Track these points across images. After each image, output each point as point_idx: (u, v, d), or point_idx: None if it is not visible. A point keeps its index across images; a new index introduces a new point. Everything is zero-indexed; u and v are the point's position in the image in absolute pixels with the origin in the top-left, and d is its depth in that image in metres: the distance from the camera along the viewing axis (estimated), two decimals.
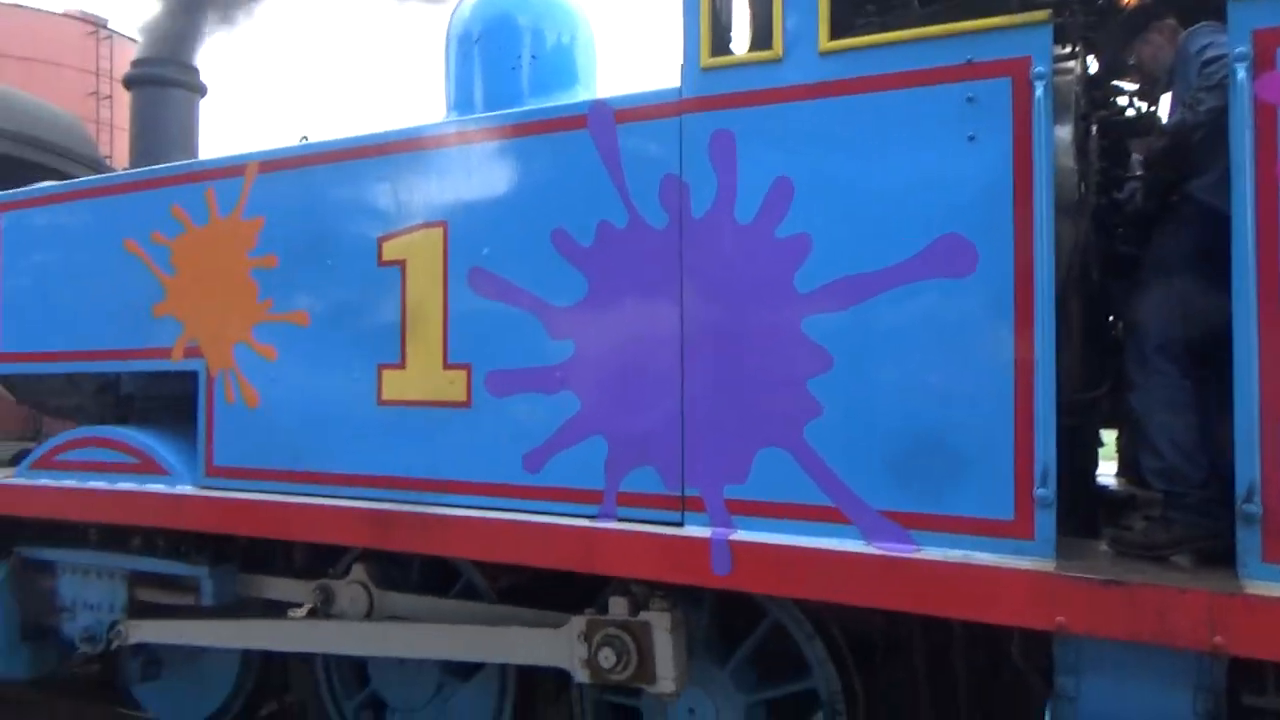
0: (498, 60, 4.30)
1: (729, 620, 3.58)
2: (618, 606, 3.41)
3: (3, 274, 5.03)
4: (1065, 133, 2.94)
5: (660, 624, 3.31)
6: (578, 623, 3.47)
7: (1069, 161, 2.95)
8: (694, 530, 3.09)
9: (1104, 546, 2.90)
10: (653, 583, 3.30)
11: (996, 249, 2.70)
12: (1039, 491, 2.62)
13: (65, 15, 19.68)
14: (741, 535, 3.00)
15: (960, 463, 2.74)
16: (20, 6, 19.66)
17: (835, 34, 3.00)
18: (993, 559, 2.65)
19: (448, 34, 4.51)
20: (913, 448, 2.80)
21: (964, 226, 2.74)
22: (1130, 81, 3.50)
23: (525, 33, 4.32)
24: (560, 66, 4.38)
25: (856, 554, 2.81)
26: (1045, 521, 2.63)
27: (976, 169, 2.74)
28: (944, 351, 2.77)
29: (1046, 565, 2.59)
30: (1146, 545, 2.75)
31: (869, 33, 3.05)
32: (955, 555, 2.70)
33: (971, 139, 2.75)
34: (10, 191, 5.14)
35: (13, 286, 5.01)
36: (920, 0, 3.34)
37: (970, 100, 2.74)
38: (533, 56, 4.32)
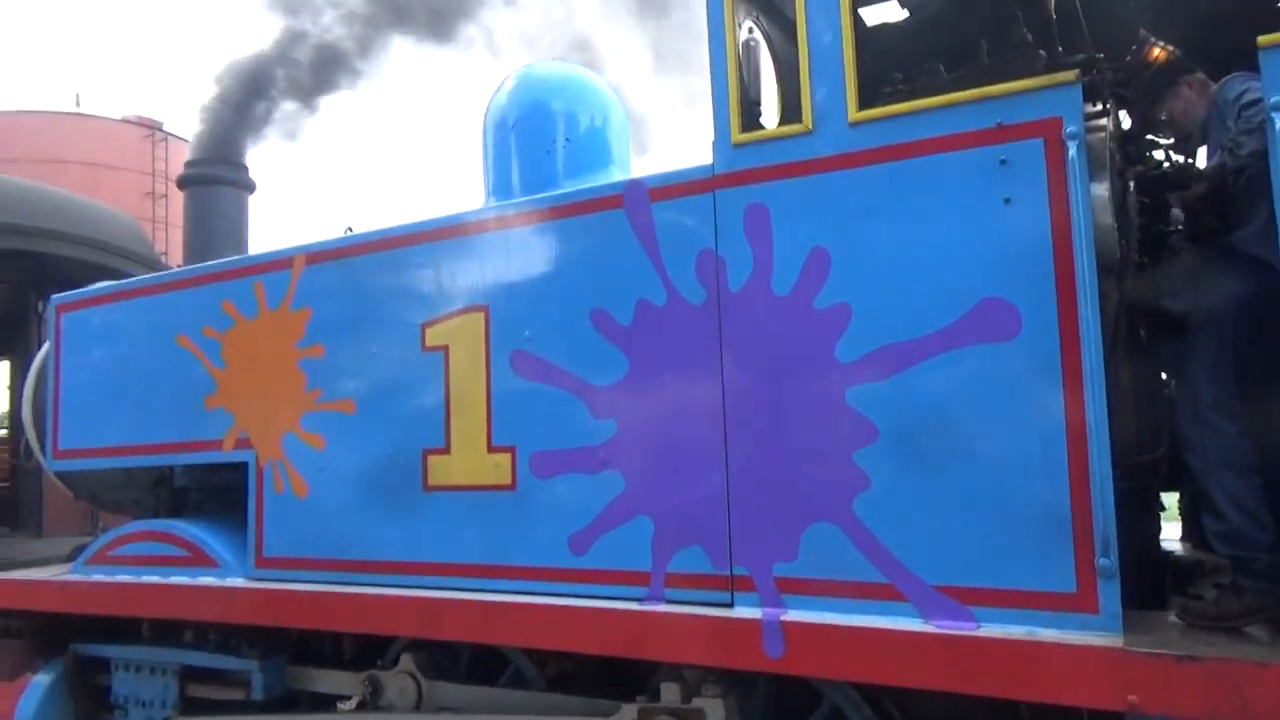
0: (533, 145, 4.39)
1: (784, 703, 3.46)
2: (669, 692, 3.30)
3: (62, 373, 5.18)
4: (1102, 190, 2.90)
5: (714, 711, 3.20)
6: (629, 711, 3.37)
7: (1108, 219, 2.91)
8: (744, 611, 3.01)
9: (1173, 618, 2.76)
10: (705, 666, 3.20)
11: (1040, 311, 2.64)
12: (1101, 562, 2.51)
13: (124, 120, 20.70)
14: (794, 615, 2.91)
15: (1016, 533, 2.64)
16: (83, 115, 20.74)
17: (863, 104, 3.01)
18: (1057, 635, 2.53)
19: (484, 121, 4.63)
20: (966, 519, 2.71)
21: (1005, 289, 2.70)
22: (1163, 137, 3.46)
23: (559, 117, 4.42)
24: (594, 148, 4.47)
25: (914, 633, 2.70)
26: (1110, 593, 2.51)
27: (1014, 231, 2.70)
28: (992, 417, 2.69)
29: (1114, 640, 2.46)
30: (1218, 616, 2.61)
31: (897, 101, 3.06)
32: (1018, 632, 2.58)
33: (1007, 201, 2.72)
34: (68, 293, 5.33)
35: (71, 385, 5.16)
36: (947, 66, 3.35)
37: (1003, 163, 2.72)
38: (567, 140, 4.41)
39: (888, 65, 3.70)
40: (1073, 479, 2.56)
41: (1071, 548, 2.55)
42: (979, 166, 2.76)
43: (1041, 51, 3.09)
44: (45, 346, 5.50)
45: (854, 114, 3.00)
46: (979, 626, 2.65)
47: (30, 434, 5.60)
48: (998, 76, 2.86)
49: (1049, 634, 2.53)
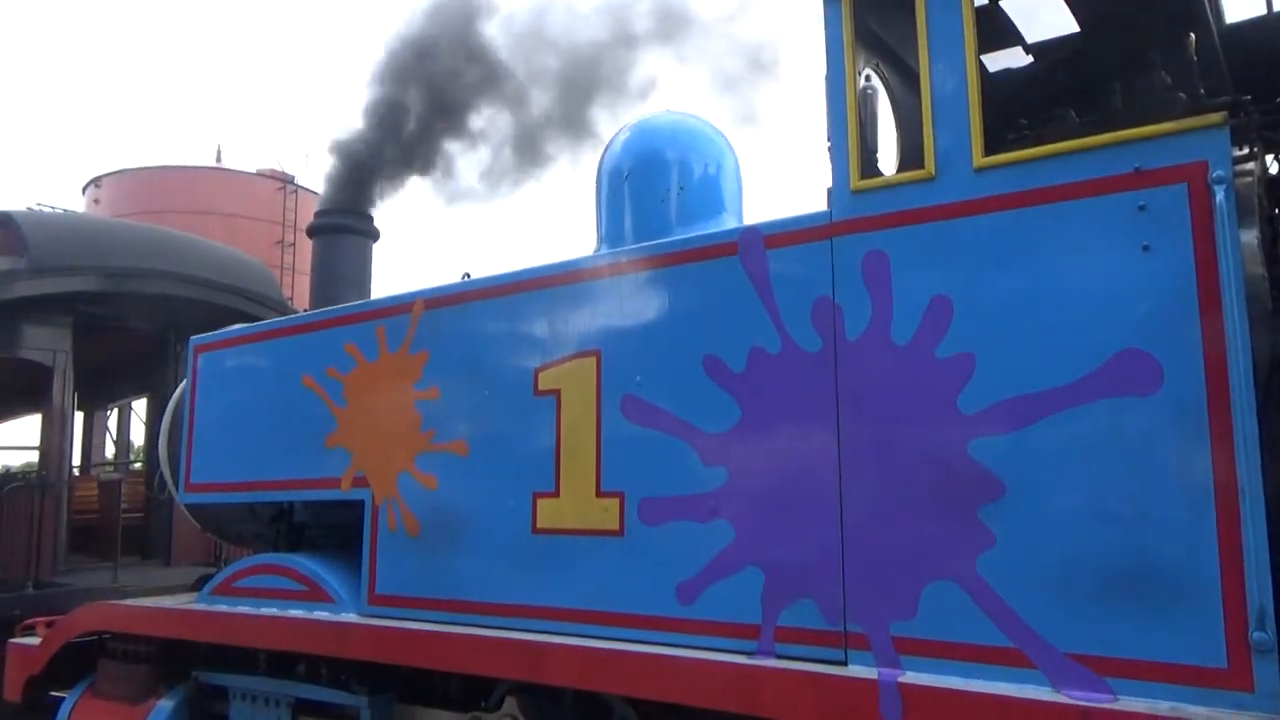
0: (647, 193, 4.45)
1: None
2: None
3: (196, 411, 5.45)
4: (1250, 237, 2.74)
5: None
6: None
7: (1257, 268, 2.74)
8: (859, 670, 2.89)
9: None
10: None
11: (1184, 364, 2.49)
12: (1256, 635, 2.32)
13: (259, 174, 22.02)
14: (911, 678, 2.78)
15: (1159, 601, 2.46)
16: (224, 169, 22.16)
17: (988, 150, 2.94)
18: (1207, 713, 2.33)
19: (599, 170, 4.72)
20: (1102, 583, 2.55)
21: (1145, 341, 2.56)
22: None
23: (673, 166, 4.47)
24: (708, 196, 4.49)
25: (1044, 702, 2.54)
26: (1267, 671, 2.31)
27: (1154, 280, 2.57)
28: (1131, 475, 2.54)
29: None
30: None
31: (1023, 146, 2.98)
32: (1162, 708, 2.39)
33: (1146, 249, 2.59)
34: (206, 334, 5.63)
35: (204, 422, 5.42)
36: (1076, 112, 3.25)
37: (1142, 209, 2.60)
38: (680, 188, 4.45)
39: (1011, 112, 3.61)
40: (1222, 544, 2.38)
41: (1221, 619, 2.37)
42: (1115, 213, 2.64)
43: (1181, 94, 2.96)
44: (182, 385, 5.81)
45: (979, 159, 2.92)
46: (1116, 699, 2.47)
47: (165, 467, 5.91)
48: (1133, 121, 2.74)
49: (1198, 711, 2.34)
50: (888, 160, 4.08)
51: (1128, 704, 2.44)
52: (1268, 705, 2.29)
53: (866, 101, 3.67)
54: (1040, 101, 3.56)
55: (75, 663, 5.73)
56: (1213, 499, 2.42)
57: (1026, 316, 2.75)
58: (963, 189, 2.93)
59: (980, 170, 2.91)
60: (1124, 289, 2.61)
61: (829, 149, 3.29)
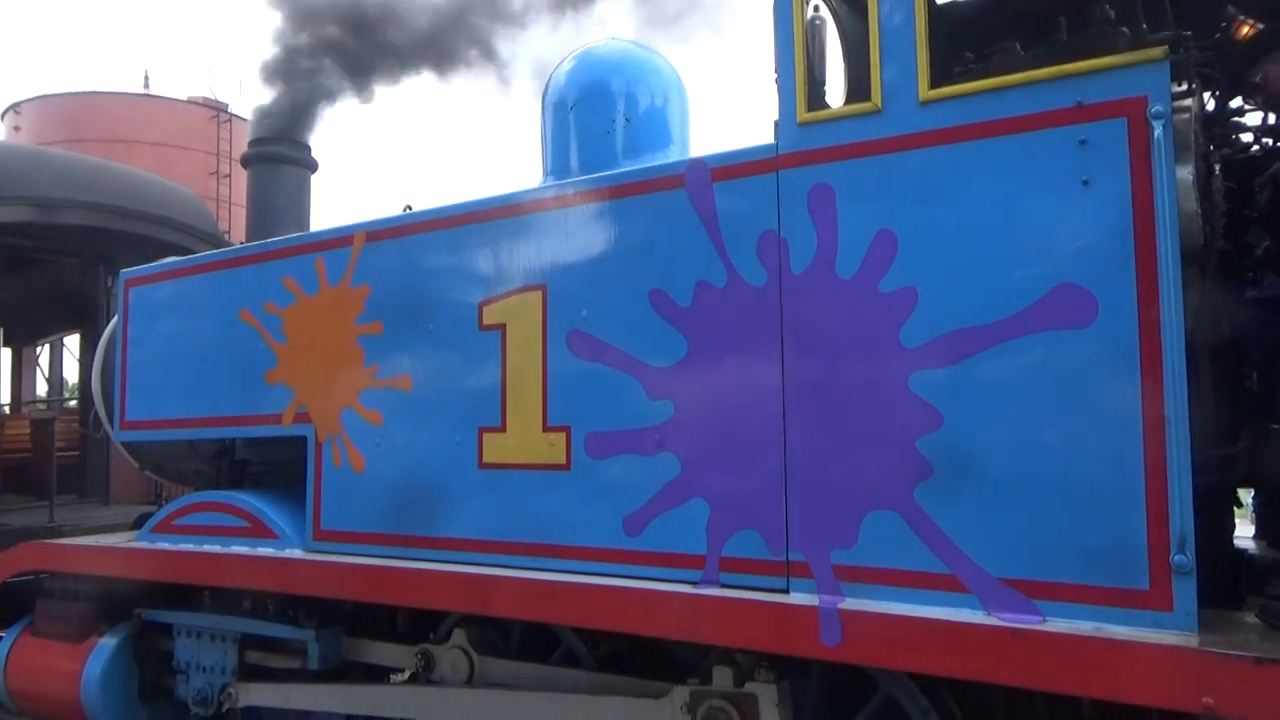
0: (592, 125, 4.37)
1: (838, 692, 3.41)
2: (722, 676, 3.29)
3: (129, 346, 5.30)
4: (1186, 174, 2.78)
5: (767, 696, 3.18)
6: (680, 693, 3.36)
7: (1192, 204, 2.78)
8: (801, 598, 2.96)
9: (1250, 618, 2.65)
10: (759, 652, 3.17)
11: (1118, 298, 2.55)
12: (1176, 558, 2.42)
13: (190, 102, 21.16)
14: (851, 604, 2.86)
15: (1086, 527, 2.56)
16: (152, 96, 21.23)
17: (934, 83, 2.93)
18: (1128, 632, 2.45)
19: (543, 101, 4.61)
20: (1032, 511, 2.64)
21: (1081, 276, 2.60)
22: (1258, 108, 3.30)
23: (619, 97, 4.39)
24: (654, 128, 4.42)
25: (976, 625, 2.64)
26: (1185, 591, 2.42)
27: (1092, 215, 2.60)
28: (1064, 407, 2.61)
29: (1189, 640, 2.38)
30: None
31: (969, 80, 2.97)
32: (1085, 628, 2.50)
33: (1085, 183, 2.62)
34: (136, 268, 5.45)
35: (137, 358, 5.28)
36: (1022, 45, 3.24)
37: (1082, 143, 2.63)
38: (626, 120, 4.38)
39: (958, 44, 3.59)
40: (1148, 472, 2.47)
41: (1145, 544, 2.47)
42: (1056, 147, 2.66)
43: (1124, 29, 2.97)
44: (114, 320, 5.64)
45: (925, 93, 2.91)
46: (1044, 620, 2.58)
47: (99, 405, 5.76)
48: (1077, 55, 2.75)
49: (1120, 630, 2.45)
50: (836, 94, 4.04)
51: (1054, 625, 2.54)
52: (1184, 623, 2.41)
53: (814, 32, 3.61)
54: (987, 33, 3.54)
55: (11, 603, 5.64)
56: (1141, 429, 2.50)
57: (968, 251, 2.78)
58: (908, 122, 2.93)
59: (926, 103, 2.91)
60: (1063, 224, 2.64)
61: (776, 80, 3.26)
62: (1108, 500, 2.53)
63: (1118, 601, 2.50)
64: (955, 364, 2.77)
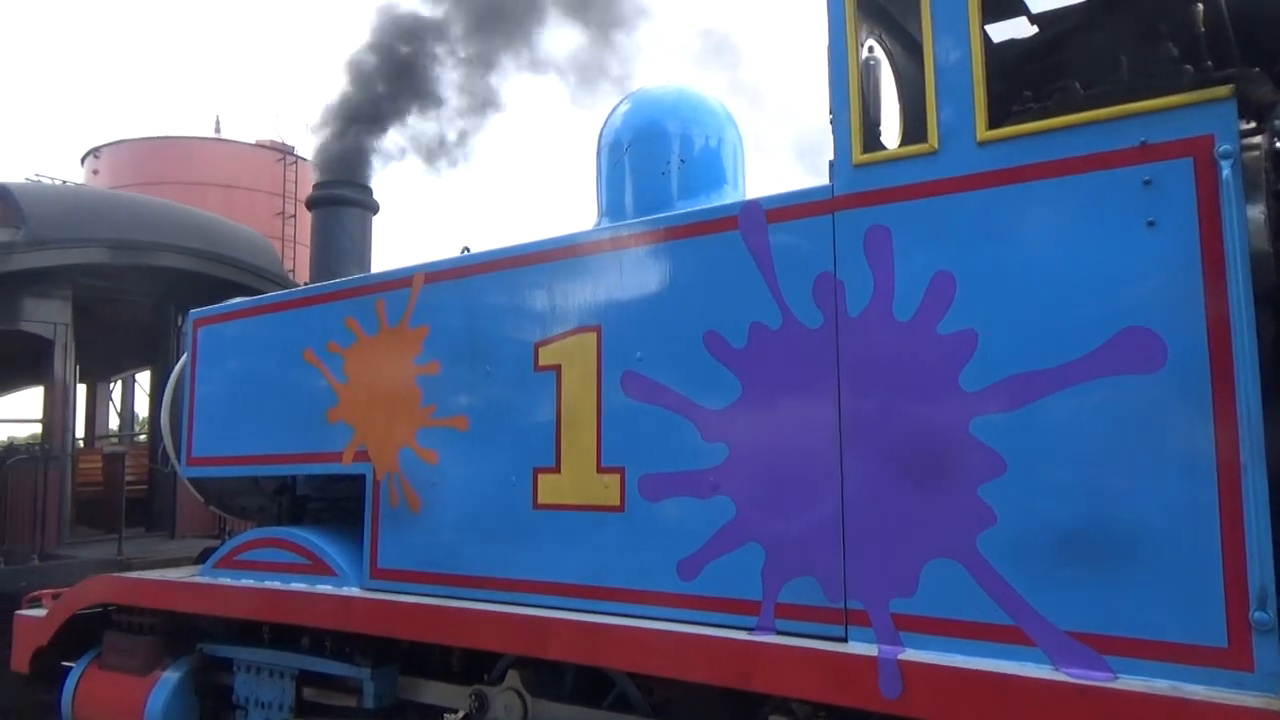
0: (648, 166, 4.41)
1: None
2: None
3: (197, 384, 5.45)
4: (1258, 213, 2.70)
5: None
6: None
7: (1263, 244, 2.70)
8: (859, 647, 2.90)
9: None
10: (815, 702, 3.10)
11: (1188, 341, 2.47)
12: (1257, 615, 2.31)
13: (258, 145, 21.89)
14: (911, 655, 2.78)
15: (1159, 579, 2.46)
16: (222, 140, 22.01)
17: (992, 123, 2.90)
18: (1206, 692, 2.34)
19: (599, 143, 4.67)
20: (1101, 561, 2.55)
21: (1148, 319, 2.53)
22: None
23: (674, 138, 4.42)
24: (709, 169, 4.45)
25: (1043, 680, 2.54)
26: (1268, 651, 2.31)
27: (1159, 256, 2.54)
28: (1134, 454, 2.53)
29: (1273, 704, 2.26)
30: None
31: (1027, 120, 2.93)
32: (1160, 686, 2.40)
33: (1151, 224, 2.56)
34: (205, 308, 5.61)
35: (205, 395, 5.42)
36: (1082, 84, 3.20)
37: (1147, 184, 2.57)
38: (681, 161, 4.41)
39: (1016, 84, 3.56)
40: (1224, 523, 2.37)
41: (1222, 599, 2.36)
42: (1120, 188, 2.60)
43: (1188, 67, 2.91)
44: (183, 358, 5.80)
45: (982, 133, 2.88)
46: (1115, 677, 2.48)
47: (167, 441, 5.92)
48: (1140, 94, 2.70)
49: (1197, 690, 2.34)
50: (891, 133, 4.03)
51: (1126, 683, 2.44)
52: (1267, 685, 2.30)
53: (869, 73, 3.61)
54: (1045, 73, 3.50)
55: (82, 634, 5.78)
56: (1215, 478, 2.41)
57: (1030, 293, 2.72)
58: (966, 163, 2.90)
59: (984, 144, 2.87)
60: (1128, 265, 2.58)
61: (831, 122, 3.25)
62: (1181, 551, 2.44)
63: (1195, 659, 2.39)
64: (1018, 408, 2.70)
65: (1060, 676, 2.53)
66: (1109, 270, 2.61)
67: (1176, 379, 2.48)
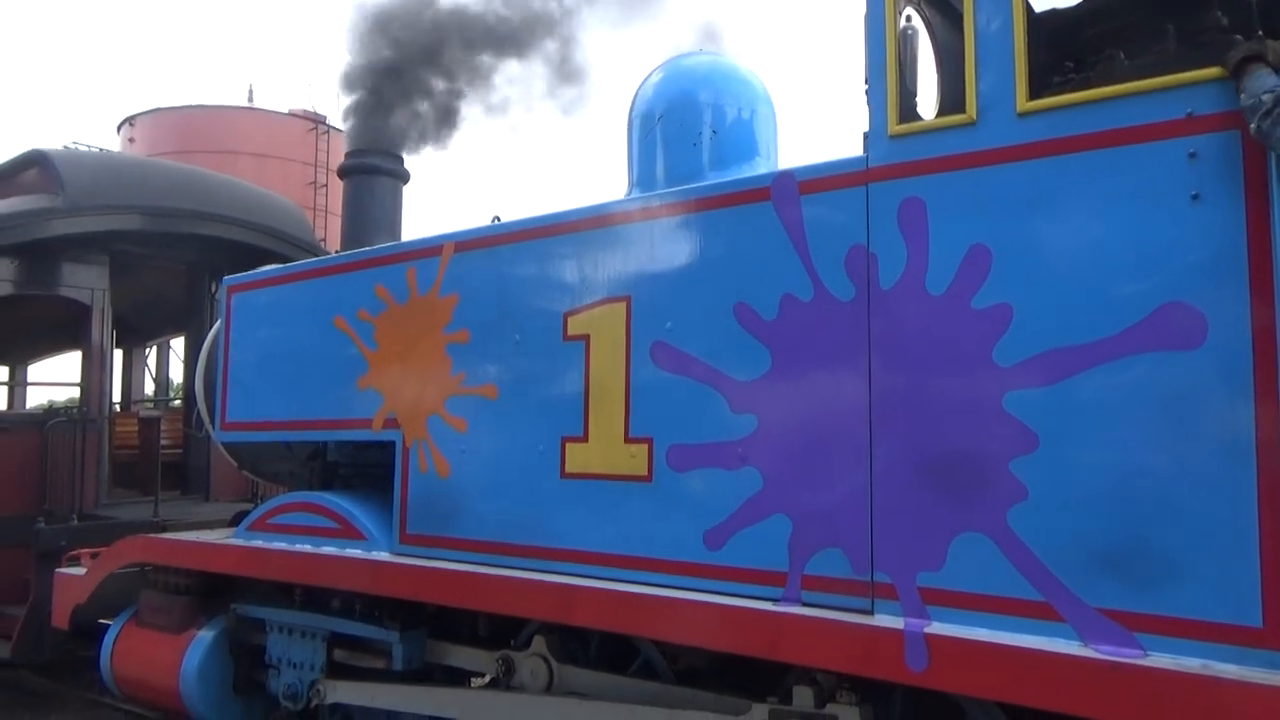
0: (679, 137, 4.37)
1: (922, 717, 3.32)
2: (802, 696, 3.23)
3: (231, 350, 5.52)
4: None
5: (848, 718, 3.11)
6: (759, 711, 3.32)
7: None
8: (885, 620, 2.90)
9: None
10: (840, 673, 3.11)
11: (1230, 318, 2.42)
12: None
13: (291, 114, 21.98)
14: (938, 628, 2.78)
15: (1193, 557, 2.43)
16: (255, 109, 22.12)
17: (1033, 94, 2.84)
18: (1239, 671, 2.31)
19: (630, 113, 4.64)
20: (1135, 538, 2.52)
21: (1190, 294, 2.49)
22: None
23: (706, 109, 4.38)
24: (741, 140, 4.41)
25: (1072, 656, 2.53)
26: None
27: (1202, 230, 2.48)
28: (1170, 431, 2.49)
29: None
30: None
31: (1069, 91, 2.87)
32: (1191, 664, 2.38)
33: (1195, 198, 2.50)
34: (238, 275, 5.67)
35: (238, 361, 5.49)
36: (1126, 54, 3.12)
37: (1192, 156, 2.51)
38: (714, 131, 4.37)
39: (1058, 54, 3.48)
40: (1263, 501, 2.34)
41: (1258, 578, 2.33)
42: (1164, 160, 2.55)
43: (1238, 36, 2.83)
44: (216, 325, 5.88)
45: (1023, 104, 2.83)
46: (1146, 654, 2.46)
47: (201, 406, 6.01)
48: (1186, 64, 2.63)
49: (1230, 669, 2.32)
50: (927, 104, 3.96)
51: (1157, 660, 2.43)
52: None
53: (906, 42, 3.55)
54: (1088, 43, 3.43)
55: (121, 591, 5.92)
56: (1255, 455, 2.37)
57: (1067, 267, 2.68)
58: (1005, 134, 2.85)
59: (1024, 115, 2.82)
60: (1170, 240, 2.53)
61: (866, 92, 3.21)
62: (1218, 530, 2.41)
63: (1228, 638, 2.36)
64: (1052, 384, 2.67)
65: (1089, 653, 2.51)
66: (1150, 244, 2.56)
67: (1217, 356, 2.44)
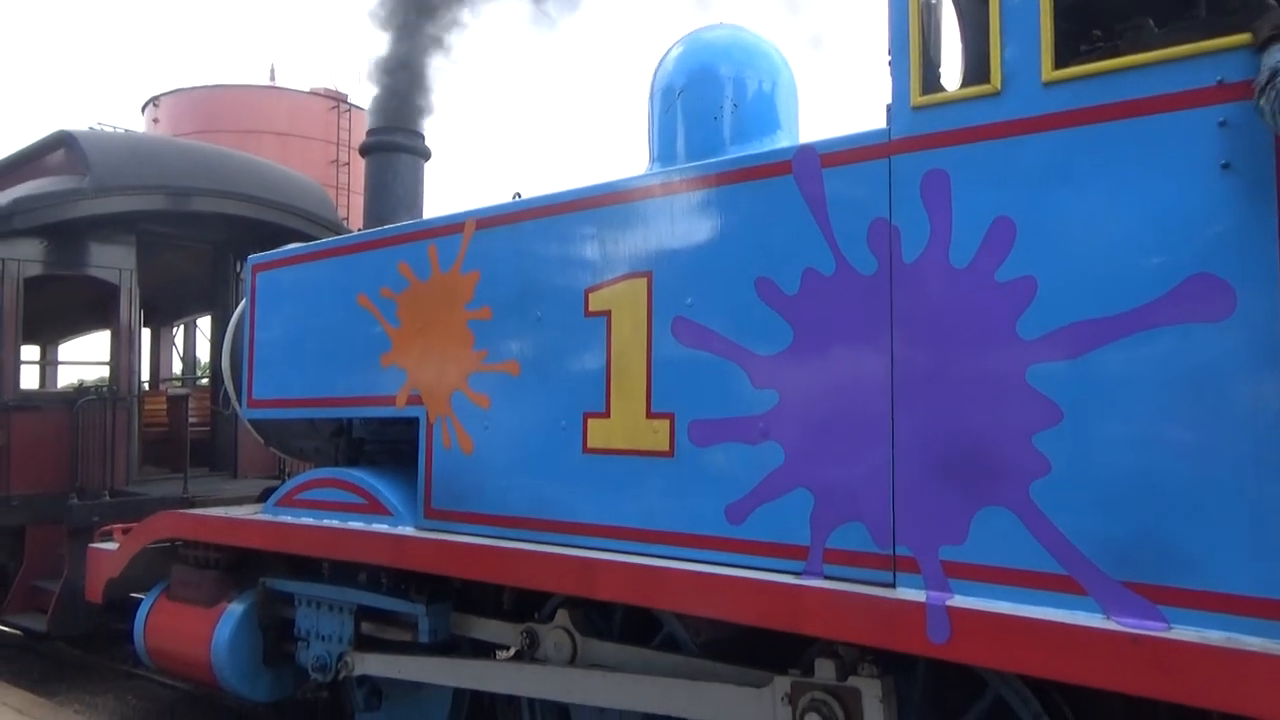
0: (700, 111, 4.34)
1: (945, 691, 3.34)
2: (824, 669, 3.25)
3: (256, 328, 5.58)
4: None
5: (871, 691, 3.13)
6: (781, 684, 3.34)
7: None
8: (907, 593, 2.90)
9: None
10: (862, 646, 3.12)
11: (1259, 289, 2.39)
12: None
13: (313, 93, 22.03)
14: (960, 601, 2.78)
15: (1219, 531, 2.42)
16: (277, 88, 22.19)
17: (1059, 63, 2.80)
18: (1263, 644, 2.30)
19: (651, 87, 4.61)
20: (1158, 512, 2.51)
21: (1217, 265, 2.45)
22: None
23: (727, 82, 4.35)
24: (762, 113, 4.37)
25: (1093, 628, 2.53)
26: None
27: (1232, 200, 2.45)
28: (1196, 405, 2.47)
29: None
30: None
31: (1096, 59, 2.83)
32: (1215, 637, 2.37)
33: (1225, 167, 2.46)
34: (263, 254, 5.72)
35: (264, 339, 5.54)
36: (1156, 22, 3.07)
37: (1223, 125, 2.47)
38: (734, 105, 4.34)
39: (1085, 22, 3.43)
40: None
41: None
42: (1194, 129, 2.51)
43: (1272, 1, 2.77)
44: (242, 303, 5.93)
45: (1048, 73, 2.79)
46: (1169, 627, 2.45)
47: (228, 384, 6.08)
48: (1217, 31, 2.58)
49: (1254, 642, 2.31)
50: (951, 75, 3.91)
51: (1180, 633, 2.42)
52: None
53: (930, 11, 3.50)
54: (1117, 10, 3.36)
55: (152, 566, 6.03)
56: None
57: (1094, 239, 2.65)
58: (1031, 104, 2.81)
59: (1050, 84, 2.78)
60: (1199, 210, 2.49)
61: (889, 63, 3.17)
62: (1242, 503, 2.39)
63: (1253, 611, 2.35)
64: (1077, 357, 2.65)
65: (1112, 625, 2.51)
66: (1179, 215, 2.53)
67: (1244, 327, 2.41)
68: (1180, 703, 2.44)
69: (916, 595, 2.87)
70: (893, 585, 2.96)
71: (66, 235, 8.40)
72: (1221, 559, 2.41)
